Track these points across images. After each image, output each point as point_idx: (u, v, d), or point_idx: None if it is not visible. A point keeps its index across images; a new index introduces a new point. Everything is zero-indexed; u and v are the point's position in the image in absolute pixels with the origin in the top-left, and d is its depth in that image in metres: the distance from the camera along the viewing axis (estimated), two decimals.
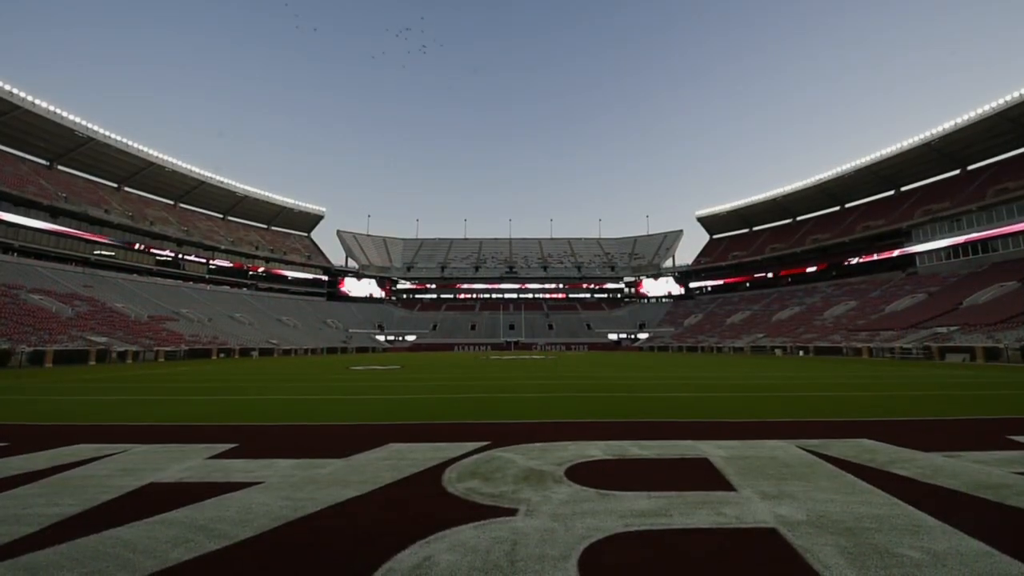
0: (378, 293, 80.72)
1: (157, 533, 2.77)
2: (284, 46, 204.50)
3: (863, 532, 2.73)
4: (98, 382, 14.45)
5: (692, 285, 76.87)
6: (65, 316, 33.88)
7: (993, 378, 14.00)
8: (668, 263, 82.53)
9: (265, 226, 76.42)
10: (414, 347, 64.45)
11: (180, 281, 56.32)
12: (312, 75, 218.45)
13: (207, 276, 60.49)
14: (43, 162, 50.24)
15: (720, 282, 72.80)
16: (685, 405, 8.45)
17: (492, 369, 20.05)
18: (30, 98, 43.60)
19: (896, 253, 50.94)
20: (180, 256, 57.06)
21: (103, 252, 49.46)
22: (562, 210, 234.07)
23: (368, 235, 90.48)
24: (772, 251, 65.40)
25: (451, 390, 11.42)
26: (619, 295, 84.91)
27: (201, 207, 67.28)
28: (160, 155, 56.00)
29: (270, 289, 68.69)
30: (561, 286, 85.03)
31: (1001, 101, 43.15)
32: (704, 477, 3.83)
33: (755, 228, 76.93)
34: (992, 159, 49.22)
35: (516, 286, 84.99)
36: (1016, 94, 42.08)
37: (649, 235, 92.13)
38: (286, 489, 3.57)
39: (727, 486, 3.57)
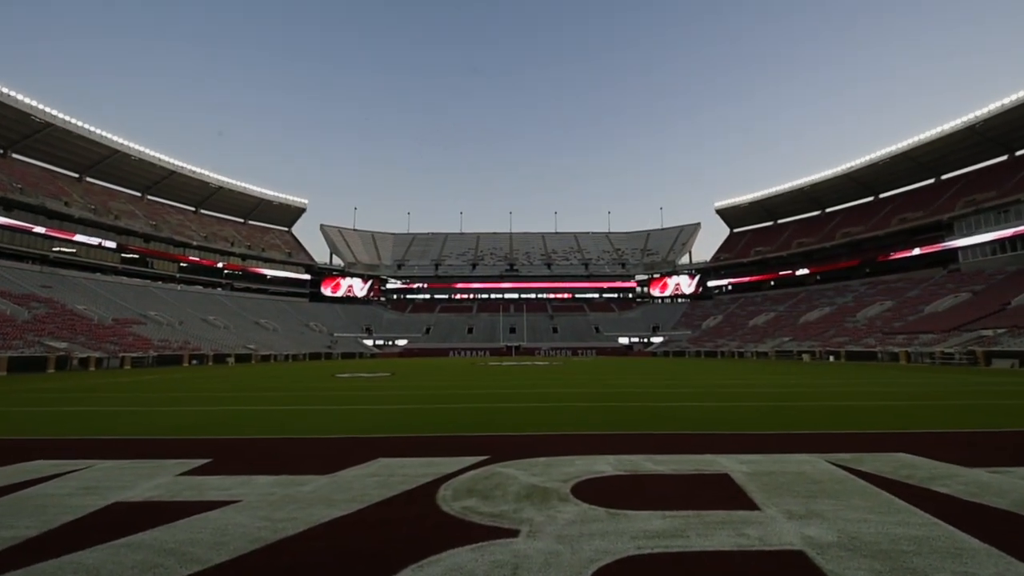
0: (366, 293, 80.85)
1: (123, 558, 2.76)
2: (259, 24, 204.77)
3: (900, 555, 2.72)
4: (58, 392, 14.47)
5: (711, 284, 76.90)
6: (21, 319, 33.95)
7: None
8: (684, 260, 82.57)
9: (242, 220, 76.51)
10: (405, 352, 64.54)
11: (148, 280, 56.42)
12: (292, 56, 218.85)
13: (178, 275, 60.59)
14: None
15: (742, 280, 72.80)
16: (703, 415, 8.44)
17: (491, 376, 20.04)
18: None
19: (936, 248, 50.89)
20: (148, 253, 57.15)
21: (63, 249, 49.53)
22: (568, 202, 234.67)
23: (355, 230, 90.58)
24: (799, 246, 65.37)
25: (446, 400, 11.42)
26: (630, 295, 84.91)
27: (171, 199, 67.39)
28: (125, 142, 56.10)
29: (247, 289, 68.80)
30: (567, 285, 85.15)
31: None
32: (724, 494, 3.82)
33: (780, 221, 76.89)
34: None
35: (517, 285, 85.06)
36: None
37: (663, 229, 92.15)
38: (265, 508, 3.57)
39: (750, 504, 3.56)
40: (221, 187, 68.36)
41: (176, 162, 62.06)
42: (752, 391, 13.02)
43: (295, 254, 76.45)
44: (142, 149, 57.90)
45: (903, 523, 3.19)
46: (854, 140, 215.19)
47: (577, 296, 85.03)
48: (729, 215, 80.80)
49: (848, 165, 62.00)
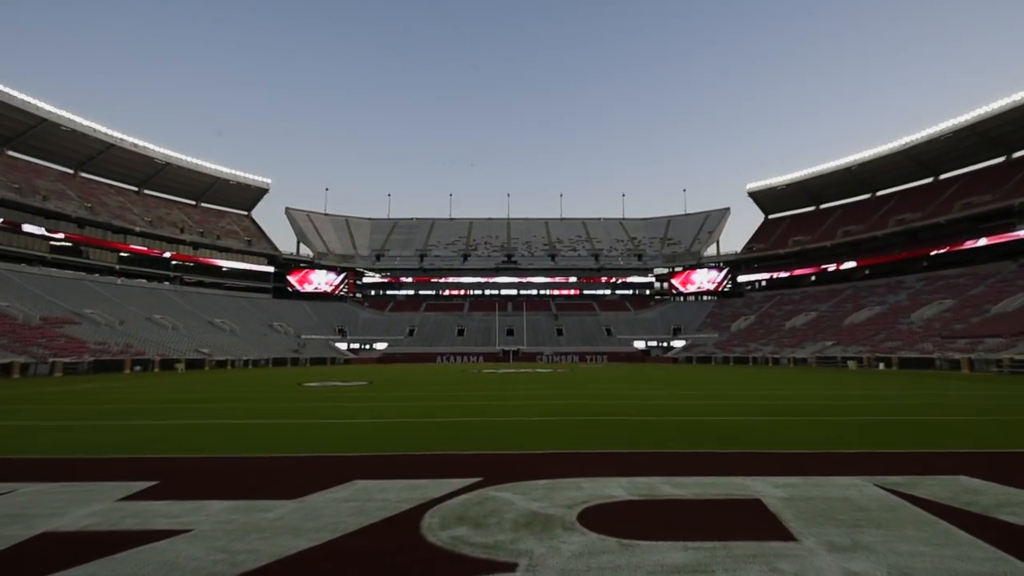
0: (339, 288, 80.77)
1: None
2: None
3: None
4: None
5: (741, 279, 77.05)
6: None
7: None
8: (711, 250, 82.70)
9: (193, 202, 76.25)
10: (385, 358, 64.53)
11: (83, 273, 56.19)
12: (246, 19, 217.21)
13: (118, 266, 60.39)
14: None
15: (778, 275, 72.96)
16: (732, 432, 8.47)
17: (485, 386, 20.06)
18: None
19: (1006, 238, 51.00)
20: (82, 241, 56.91)
21: None
22: (575, 183, 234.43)
23: (326, 214, 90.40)
24: (845, 235, 65.51)
25: (432, 413, 11.43)
26: (647, 291, 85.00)
27: (109, 178, 67.03)
28: (54, 110, 55.70)
29: (200, 283, 68.51)
30: (573, 280, 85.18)
31: None
32: (756, 523, 3.84)
33: (823, 206, 77.02)
34: None
35: (516, 280, 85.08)
36: None
37: (686, 215, 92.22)
38: (221, 539, 3.57)
39: (785, 535, 3.59)
40: (168, 163, 68.03)
41: (115, 133, 61.70)
42: (788, 404, 13.05)
43: (256, 242, 76.26)
44: (74, 118, 57.52)
45: (964, 557, 3.20)
46: (910, 114, 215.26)
47: (585, 292, 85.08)
48: (763, 199, 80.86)
49: (904, 140, 62.04)
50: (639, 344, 68.56)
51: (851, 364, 40.16)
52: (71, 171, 63.32)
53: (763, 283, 75.55)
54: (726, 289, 78.95)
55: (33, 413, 11.93)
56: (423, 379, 25.69)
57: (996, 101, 53.66)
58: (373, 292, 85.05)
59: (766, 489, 4.72)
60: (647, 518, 4.01)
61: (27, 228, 52.26)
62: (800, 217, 78.53)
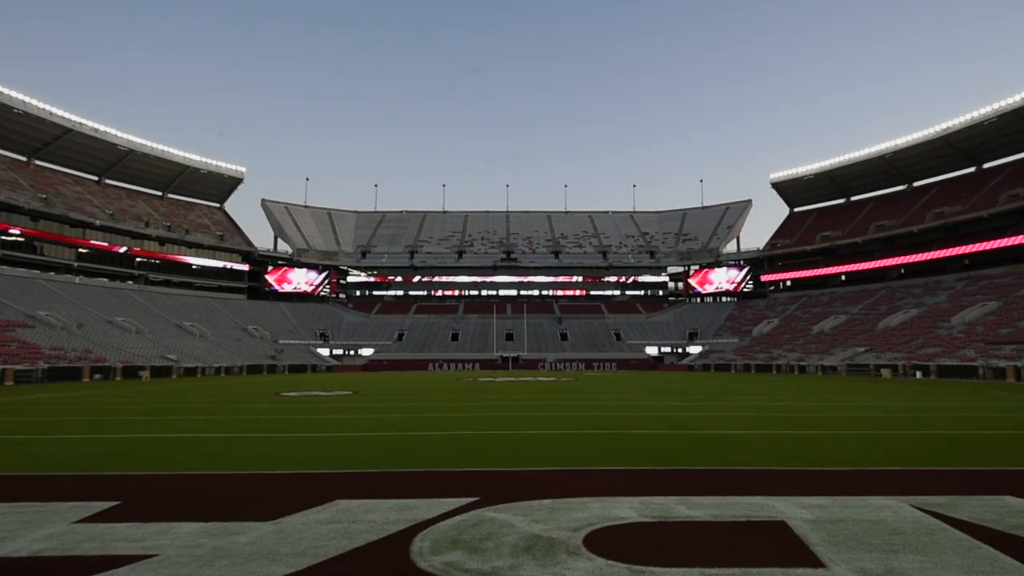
0: (321, 288, 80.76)
1: None
2: None
3: None
4: None
5: (764, 278, 77.20)
6: None
7: None
8: (730, 247, 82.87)
9: (159, 193, 76.25)
10: (371, 365, 64.53)
11: (37, 271, 56.18)
12: None
13: (76, 264, 60.36)
14: None
15: (804, 274, 73.08)
16: (753, 447, 8.47)
17: (482, 396, 20.05)
18: None
19: None
20: (36, 235, 56.85)
21: None
22: (581, 173, 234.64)
23: (306, 207, 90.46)
24: (878, 230, 65.63)
25: (424, 425, 11.42)
26: (660, 292, 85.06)
27: (67, 166, 66.99)
28: (4, 90, 55.58)
29: (167, 282, 68.46)
30: (579, 279, 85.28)
31: None
32: (780, 547, 3.84)
33: (854, 198, 77.19)
34: None
35: (516, 279, 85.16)
36: None
37: (704, 208, 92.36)
38: (189, 565, 3.55)
39: (812, 561, 3.58)
40: (132, 150, 67.98)
41: (73, 117, 61.64)
42: (816, 416, 13.05)
43: (229, 237, 76.28)
44: (26, 99, 57.46)
45: None
46: (949, 97, 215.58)
47: (592, 293, 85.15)
48: (788, 190, 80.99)
49: (943, 125, 62.17)
50: (651, 350, 68.59)
51: (885, 373, 40.21)
52: (24, 159, 63.27)
53: (788, 283, 75.61)
54: (747, 289, 79.01)
55: None
56: (413, 388, 25.67)
57: None
58: (358, 292, 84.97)
59: (791, 510, 4.72)
60: (660, 542, 4.00)
61: None
62: (829, 210, 78.63)
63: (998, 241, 55.42)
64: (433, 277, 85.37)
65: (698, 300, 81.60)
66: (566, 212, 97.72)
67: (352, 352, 68.28)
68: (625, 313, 79.55)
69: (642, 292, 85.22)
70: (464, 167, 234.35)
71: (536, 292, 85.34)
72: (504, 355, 66.38)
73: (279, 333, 67.27)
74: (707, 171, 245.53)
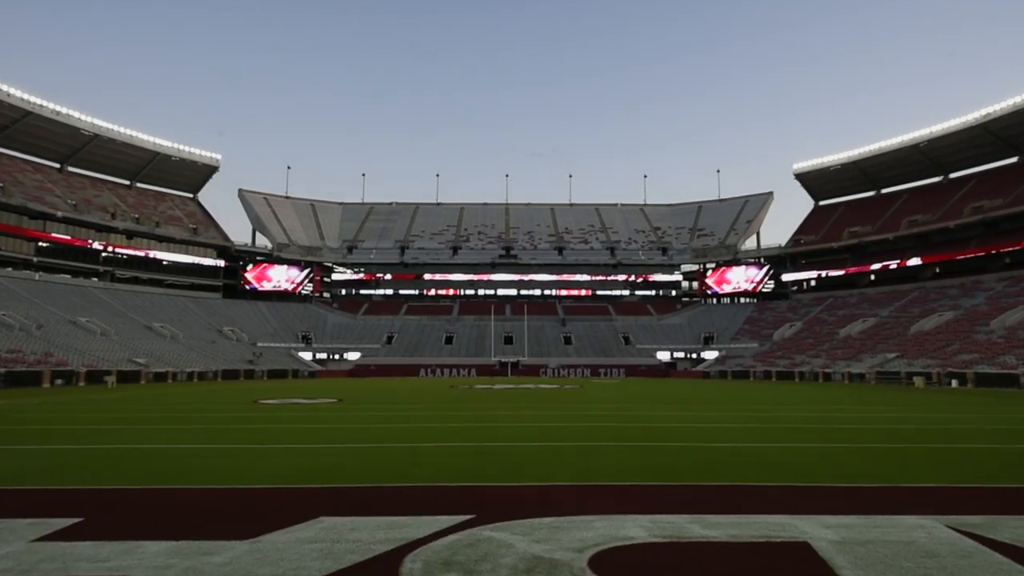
0: (303, 287, 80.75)
1: None
2: None
3: None
4: None
5: (786, 277, 77.14)
6: None
7: None
8: (750, 243, 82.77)
9: (127, 183, 76.18)
10: (358, 370, 64.54)
11: None
12: None
13: (35, 259, 60.31)
14: None
15: (830, 273, 73.00)
16: (773, 462, 8.45)
17: (478, 404, 20.03)
18: None
19: None
20: None
21: None
22: (587, 163, 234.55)
23: (287, 198, 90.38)
24: (910, 225, 65.56)
25: (415, 437, 11.41)
26: (673, 292, 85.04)
27: (26, 152, 66.86)
28: None
29: (135, 279, 68.38)
30: (585, 278, 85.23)
31: None
32: (802, 570, 3.83)
33: (884, 191, 77.15)
34: None
35: (515, 277, 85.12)
36: None
37: (721, 200, 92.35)
38: None
39: None
40: (97, 135, 67.83)
41: (32, 99, 61.45)
42: (842, 428, 13.04)
43: (203, 231, 76.24)
44: None
45: None
46: (988, 83, 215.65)
47: (599, 293, 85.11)
48: (813, 182, 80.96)
49: (981, 112, 62.10)
50: (663, 355, 68.51)
51: (918, 381, 40.15)
52: None
53: (812, 283, 75.52)
54: (767, 290, 78.96)
55: None
56: (404, 396, 25.66)
57: None
58: (344, 291, 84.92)
59: (815, 530, 4.72)
60: (672, 564, 4.00)
61: None
62: (857, 204, 78.57)
63: None
64: (426, 275, 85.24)
65: (714, 301, 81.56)
66: (571, 205, 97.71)
67: (337, 356, 68.20)
68: (634, 315, 79.52)
69: (653, 292, 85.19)
70: (460, 156, 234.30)
71: (538, 291, 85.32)
72: (503, 360, 66.29)
73: (257, 335, 67.20)
74: (725, 161, 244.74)
